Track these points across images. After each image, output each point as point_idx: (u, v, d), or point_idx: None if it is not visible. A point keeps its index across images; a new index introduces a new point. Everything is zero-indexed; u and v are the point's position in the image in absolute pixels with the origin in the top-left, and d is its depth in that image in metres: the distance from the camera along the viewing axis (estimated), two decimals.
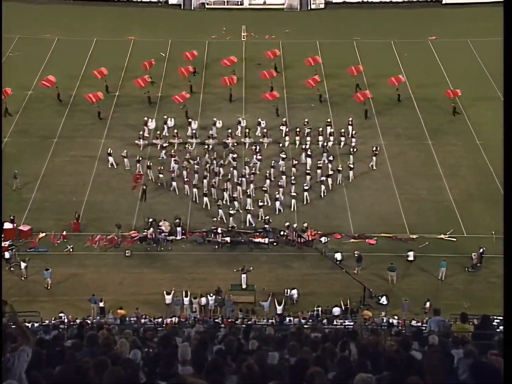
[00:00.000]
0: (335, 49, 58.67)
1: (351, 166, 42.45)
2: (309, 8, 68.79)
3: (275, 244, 37.27)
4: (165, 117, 47.06)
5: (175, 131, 45.75)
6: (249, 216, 38.39)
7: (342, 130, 45.57)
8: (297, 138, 45.54)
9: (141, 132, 45.85)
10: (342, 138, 45.38)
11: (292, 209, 39.60)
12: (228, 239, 37.25)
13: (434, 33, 61.26)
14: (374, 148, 43.80)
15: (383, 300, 32.73)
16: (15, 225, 37.75)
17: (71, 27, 61.91)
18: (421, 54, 58.12)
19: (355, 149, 43.92)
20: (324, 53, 57.79)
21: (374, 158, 43.49)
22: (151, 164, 42.43)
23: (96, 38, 60.08)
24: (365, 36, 60.77)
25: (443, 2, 68.96)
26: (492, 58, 50.29)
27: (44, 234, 37.65)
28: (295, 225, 37.76)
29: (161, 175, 41.54)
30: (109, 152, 43.50)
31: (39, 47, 57.92)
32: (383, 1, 69.60)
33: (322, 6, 69.12)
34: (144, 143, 45.33)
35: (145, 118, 47.05)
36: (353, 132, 45.71)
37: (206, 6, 69.18)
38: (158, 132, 45.80)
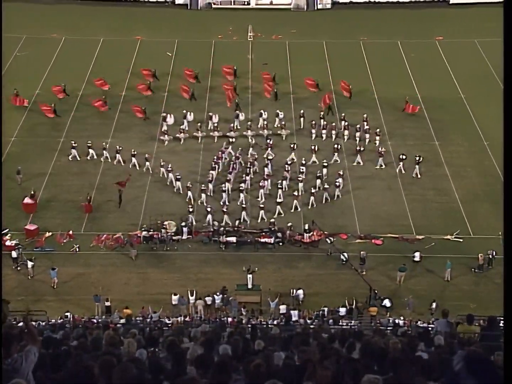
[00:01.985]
0: (341, 49, 58.64)
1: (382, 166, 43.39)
2: (315, 8, 68.69)
3: (281, 244, 37.27)
4: (185, 111, 47.13)
5: (199, 124, 45.95)
6: (225, 216, 38.07)
7: (378, 130, 45.51)
8: (314, 131, 45.68)
9: (164, 128, 46.00)
10: (367, 135, 45.33)
11: (259, 220, 38.74)
12: (234, 239, 37.28)
13: (441, 33, 61.09)
14: (418, 157, 42.81)
15: (386, 303, 32.64)
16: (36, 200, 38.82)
17: (77, 27, 61.99)
18: (428, 54, 57.99)
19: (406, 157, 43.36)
20: (330, 53, 57.81)
21: (417, 166, 42.59)
22: (163, 162, 42.40)
23: (102, 38, 60.18)
24: (371, 36, 60.70)
25: (450, 2, 68.79)
26: (499, 59, 49.91)
27: (50, 233, 37.74)
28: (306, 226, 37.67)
29: (170, 174, 41.50)
30: (88, 144, 43.71)
31: (46, 47, 58.00)
32: (390, 1, 69.44)
33: (328, 6, 69.02)
34: (169, 138, 45.51)
35: (164, 114, 47.22)
36: (377, 129, 45.55)
37: (213, 6, 69.25)
38: (182, 127, 45.92)
